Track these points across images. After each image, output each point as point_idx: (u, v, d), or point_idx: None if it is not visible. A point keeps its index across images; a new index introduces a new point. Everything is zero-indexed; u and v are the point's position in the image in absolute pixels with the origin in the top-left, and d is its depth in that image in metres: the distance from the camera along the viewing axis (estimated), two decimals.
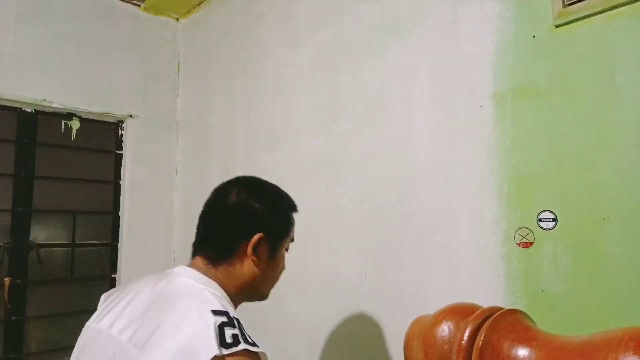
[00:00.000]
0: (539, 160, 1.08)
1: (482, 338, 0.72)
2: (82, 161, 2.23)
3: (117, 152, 2.33)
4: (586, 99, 1.01)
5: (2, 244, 1.96)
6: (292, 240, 1.04)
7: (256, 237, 0.92)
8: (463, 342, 0.74)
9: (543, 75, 1.09)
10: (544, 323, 0.90)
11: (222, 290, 0.90)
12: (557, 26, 1.06)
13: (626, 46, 0.97)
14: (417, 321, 0.98)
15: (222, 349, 0.74)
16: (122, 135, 2.34)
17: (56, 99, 2.11)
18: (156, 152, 2.39)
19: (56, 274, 2.11)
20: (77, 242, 2.18)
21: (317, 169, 1.64)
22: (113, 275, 2.26)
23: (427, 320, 0.92)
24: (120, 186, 2.31)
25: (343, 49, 1.59)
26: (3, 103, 2.01)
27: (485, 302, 0.97)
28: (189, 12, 2.47)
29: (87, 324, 0.92)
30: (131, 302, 0.86)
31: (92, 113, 2.23)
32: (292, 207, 1.03)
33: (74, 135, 2.21)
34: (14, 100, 2.02)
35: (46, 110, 2.12)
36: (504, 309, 0.85)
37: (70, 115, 2.19)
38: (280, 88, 1.83)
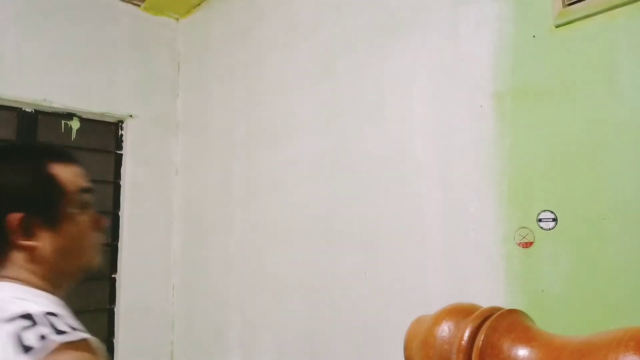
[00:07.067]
0: (539, 160, 1.08)
1: (482, 338, 0.72)
2: (82, 161, 2.19)
3: (117, 152, 2.32)
4: (586, 99, 1.01)
5: None
6: (85, 190, 0.85)
7: (13, 221, 0.72)
8: (463, 342, 0.74)
9: (543, 75, 1.09)
10: (544, 323, 0.90)
11: (17, 285, 0.73)
12: (557, 26, 1.06)
13: (626, 46, 0.97)
14: (417, 321, 0.98)
15: (25, 356, 0.60)
16: (122, 135, 2.34)
17: (56, 99, 2.11)
18: (156, 152, 2.39)
19: None
20: None
21: (317, 168, 1.64)
22: (113, 275, 2.25)
23: (427, 320, 0.92)
24: (120, 186, 2.31)
25: (343, 49, 1.59)
26: (3, 103, 2.01)
27: (485, 302, 0.96)
28: (189, 12, 2.46)
29: None
30: None
31: (92, 113, 2.22)
32: (48, 156, 0.82)
33: (74, 135, 2.20)
34: (14, 100, 2.02)
35: (46, 110, 2.11)
36: (504, 309, 0.85)
37: (70, 115, 2.19)
38: (280, 88, 1.83)
